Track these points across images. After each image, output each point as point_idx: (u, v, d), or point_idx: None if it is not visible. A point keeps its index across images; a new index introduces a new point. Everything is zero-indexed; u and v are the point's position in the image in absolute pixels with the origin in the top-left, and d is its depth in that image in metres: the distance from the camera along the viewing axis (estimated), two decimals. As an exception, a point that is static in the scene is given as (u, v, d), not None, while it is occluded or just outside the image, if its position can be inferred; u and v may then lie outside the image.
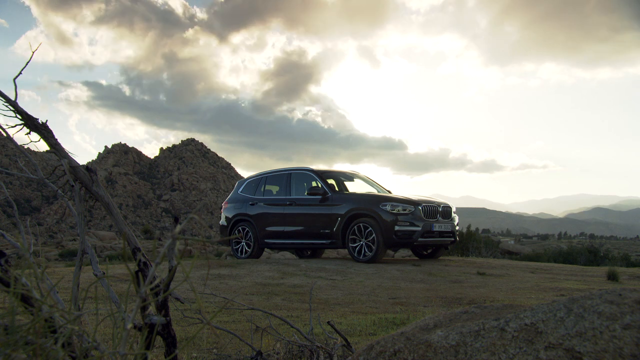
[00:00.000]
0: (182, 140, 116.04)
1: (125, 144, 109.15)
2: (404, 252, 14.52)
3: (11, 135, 1.89)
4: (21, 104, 1.96)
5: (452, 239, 8.97)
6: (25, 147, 1.99)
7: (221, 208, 10.78)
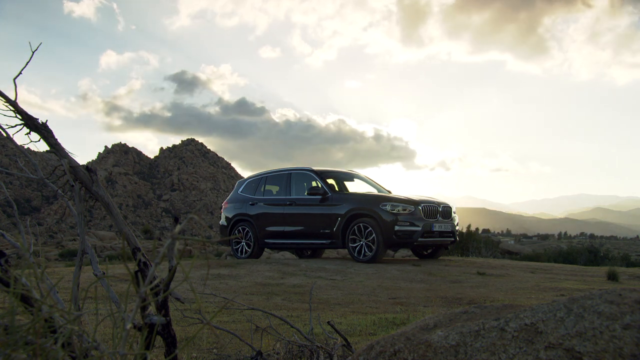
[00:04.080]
0: (182, 140, 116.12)
1: (125, 144, 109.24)
2: (404, 252, 14.52)
3: (11, 135, 1.89)
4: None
5: (452, 239, 8.97)
6: (25, 147, 1.99)
7: (221, 208, 10.78)
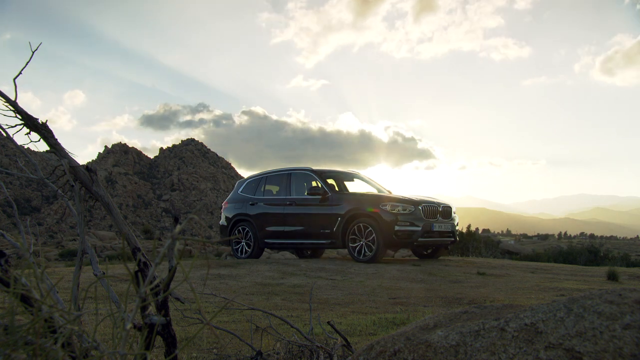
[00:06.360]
0: (182, 140, 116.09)
1: (125, 143, 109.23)
2: (404, 252, 14.52)
3: (11, 135, 1.89)
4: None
5: (452, 239, 8.97)
6: (25, 147, 1.98)
7: (221, 208, 10.79)
